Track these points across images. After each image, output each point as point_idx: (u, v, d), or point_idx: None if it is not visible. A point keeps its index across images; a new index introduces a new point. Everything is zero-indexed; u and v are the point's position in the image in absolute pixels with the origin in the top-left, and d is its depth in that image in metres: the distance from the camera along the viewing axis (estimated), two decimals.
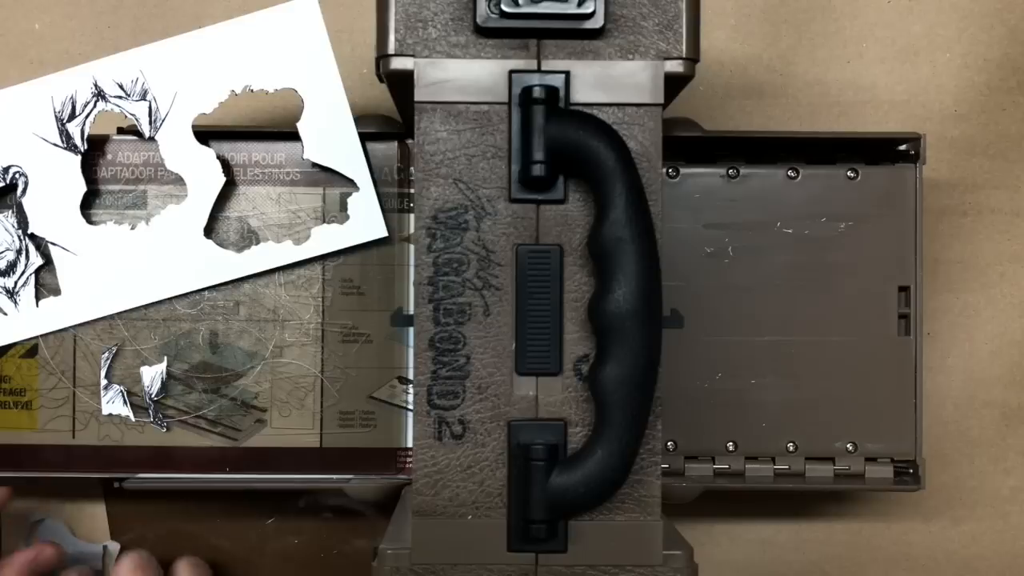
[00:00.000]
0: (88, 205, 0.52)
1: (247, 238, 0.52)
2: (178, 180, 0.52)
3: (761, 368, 0.54)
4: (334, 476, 0.53)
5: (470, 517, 0.43)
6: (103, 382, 0.52)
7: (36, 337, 0.52)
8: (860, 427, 0.54)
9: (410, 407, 0.53)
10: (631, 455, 0.41)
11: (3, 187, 0.51)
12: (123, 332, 0.52)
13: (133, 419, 0.52)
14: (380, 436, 0.53)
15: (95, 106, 0.51)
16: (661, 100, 0.42)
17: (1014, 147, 0.60)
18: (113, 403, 0.52)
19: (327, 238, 0.52)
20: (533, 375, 0.43)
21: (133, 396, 0.52)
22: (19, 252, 0.51)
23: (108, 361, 0.52)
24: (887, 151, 0.54)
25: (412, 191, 0.53)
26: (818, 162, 0.54)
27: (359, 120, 0.51)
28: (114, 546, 0.58)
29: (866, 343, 0.54)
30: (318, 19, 0.50)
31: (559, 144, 0.41)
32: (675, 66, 0.42)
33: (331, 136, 0.51)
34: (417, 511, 0.43)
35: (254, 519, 0.59)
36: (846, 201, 0.54)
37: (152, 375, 0.52)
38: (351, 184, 0.52)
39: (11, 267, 0.51)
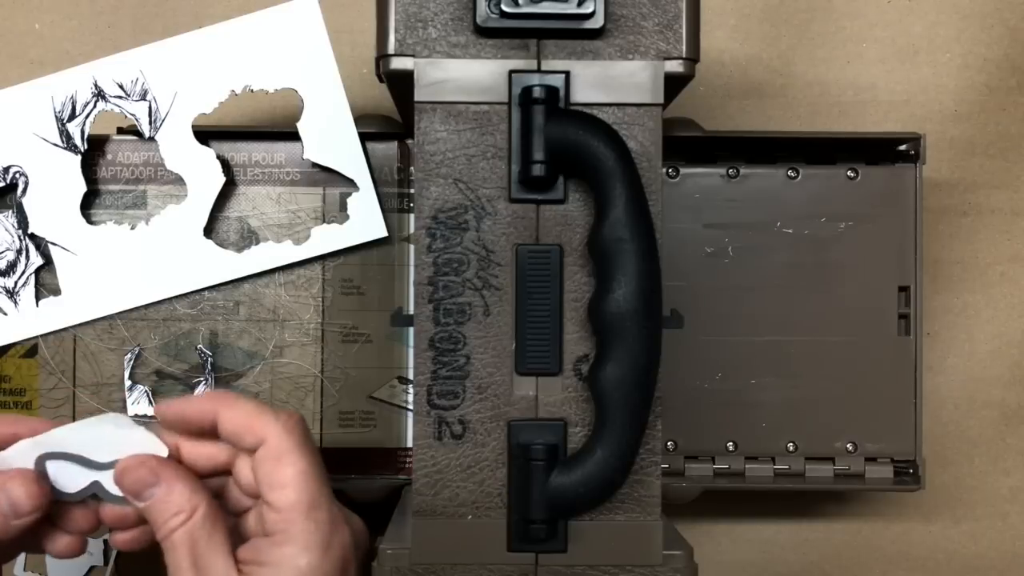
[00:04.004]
0: (88, 205, 0.52)
1: (247, 238, 0.52)
2: (178, 180, 0.52)
3: (761, 368, 0.54)
4: (334, 476, 0.53)
5: (470, 517, 0.43)
6: (127, 383, 0.52)
7: (36, 337, 0.52)
8: (860, 427, 0.54)
9: (410, 407, 0.53)
10: (631, 455, 0.41)
11: (3, 187, 0.51)
12: (123, 332, 0.52)
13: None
14: (380, 436, 0.53)
15: (95, 106, 0.51)
16: (661, 100, 0.42)
17: (1014, 147, 0.60)
18: (138, 403, 0.52)
19: (327, 238, 0.52)
20: (533, 375, 0.43)
21: None
22: (19, 252, 0.51)
23: (131, 362, 0.52)
24: (887, 151, 0.54)
25: (412, 191, 0.53)
26: (818, 162, 0.54)
27: (359, 120, 0.51)
28: None
29: (866, 343, 0.54)
30: (318, 19, 0.50)
31: (559, 144, 0.41)
32: (675, 66, 0.42)
33: (331, 136, 0.51)
34: (417, 511, 0.43)
35: None
36: (846, 201, 0.54)
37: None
38: (351, 184, 0.52)
39: (11, 267, 0.51)
